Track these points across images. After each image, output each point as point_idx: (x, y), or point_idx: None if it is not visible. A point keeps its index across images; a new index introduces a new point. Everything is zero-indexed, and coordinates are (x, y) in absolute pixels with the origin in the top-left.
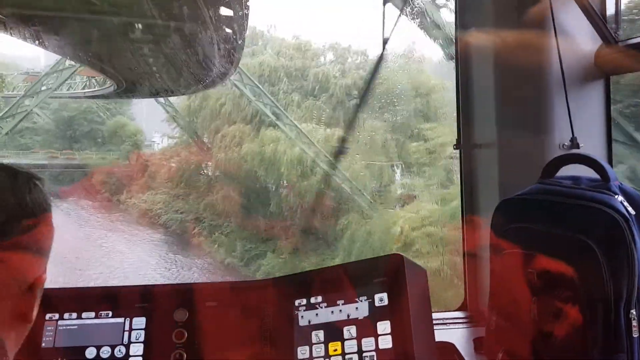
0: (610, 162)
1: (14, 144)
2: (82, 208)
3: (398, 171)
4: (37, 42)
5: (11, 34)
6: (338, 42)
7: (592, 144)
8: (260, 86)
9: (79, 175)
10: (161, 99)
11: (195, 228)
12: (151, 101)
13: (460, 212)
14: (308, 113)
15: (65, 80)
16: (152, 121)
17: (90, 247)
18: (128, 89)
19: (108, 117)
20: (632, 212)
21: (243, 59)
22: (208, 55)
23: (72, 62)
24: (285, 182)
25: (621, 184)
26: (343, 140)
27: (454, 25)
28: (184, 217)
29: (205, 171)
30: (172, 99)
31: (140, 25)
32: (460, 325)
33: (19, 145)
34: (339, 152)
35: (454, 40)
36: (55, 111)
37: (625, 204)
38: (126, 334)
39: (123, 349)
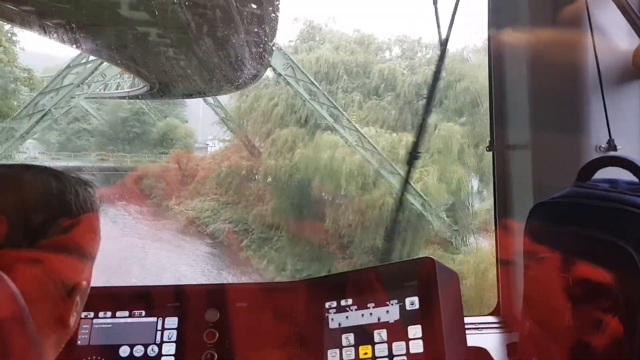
0: None
1: (72, 145)
2: (129, 214)
3: (479, 184)
4: (75, 45)
5: (51, 37)
6: (406, 35)
7: (630, 146)
8: (317, 84)
9: (129, 179)
10: (210, 100)
11: (244, 240)
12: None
13: (494, 215)
14: (371, 115)
15: (86, 77)
16: (206, 123)
17: (130, 259)
18: (161, 90)
19: (159, 119)
20: None
21: (298, 54)
22: (239, 57)
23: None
24: (343, 194)
25: None
26: (413, 147)
27: (487, 23)
28: (231, 227)
29: (255, 178)
30: (223, 99)
31: (172, 29)
32: (493, 330)
33: (76, 147)
34: (408, 161)
35: (487, 39)
36: (110, 112)
37: None
38: (159, 333)
39: (156, 348)
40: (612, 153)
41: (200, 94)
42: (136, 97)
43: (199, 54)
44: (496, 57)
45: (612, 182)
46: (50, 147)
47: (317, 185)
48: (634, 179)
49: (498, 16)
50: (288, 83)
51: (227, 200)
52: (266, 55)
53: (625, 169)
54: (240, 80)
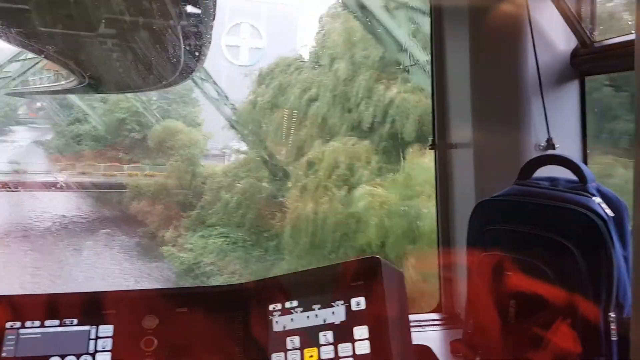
0: (585, 162)
1: (71, 151)
2: (108, 246)
3: None
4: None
5: None
6: None
7: (568, 145)
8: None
9: (123, 198)
10: (213, 94)
11: None
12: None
13: (436, 213)
14: None
15: (25, 72)
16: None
17: None
18: (91, 84)
19: (158, 121)
20: (610, 214)
21: None
22: (174, 51)
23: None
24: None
25: (599, 185)
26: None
27: (430, 23)
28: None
29: (279, 214)
30: (236, 93)
31: (104, 19)
32: (435, 328)
33: (76, 153)
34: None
35: (429, 39)
36: (106, 112)
37: (603, 205)
38: (92, 343)
39: (89, 358)
40: (551, 152)
41: (132, 88)
42: (64, 92)
43: (129, 46)
44: (438, 56)
45: (552, 180)
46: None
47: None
48: (573, 177)
49: (440, 15)
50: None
51: (237, 239)
52: (203, 49)
53: (565, 168)
54: (174, 76)
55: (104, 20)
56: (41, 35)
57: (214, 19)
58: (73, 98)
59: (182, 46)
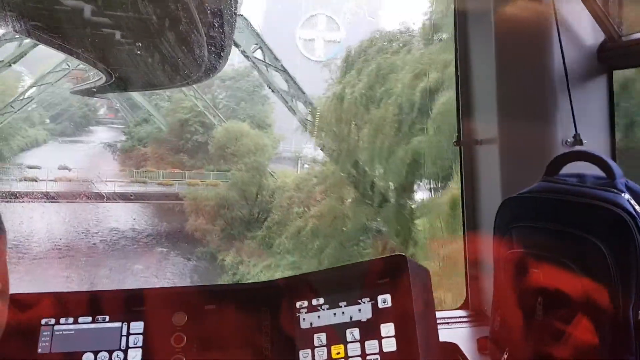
0: (613, 158)
1: (137, 154)
2: (166, 269)
3: None
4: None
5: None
6: None
7: (595, 140)
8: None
9: (182, 209)
10: (284, 88)
11: None
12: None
13: (461, 210)
14: None
15: (61, 78)
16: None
17: None
18: (118, 82)
19: (220, 122)
20: None
21: None
22: (198, 50)
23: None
24: None
25: (627, 181)
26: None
27: (454, 19)
28: None
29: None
30: (311, 87)
31: (129, 19)
32: (463, 325)
33: (140, 157)
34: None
35: (454, 35)
36: (169, 112)
37: (632, 202)
38: (124, 339)
39: (121, 354)
40: (579, 148)
41: (158, 86)
42: (94, 90)
43: (154, 44)
44: (463, 52)
45: (580, 177)
46: (114, 154)
47: None
48: (601, 173)
49: (465, 10)
50: (257, 68)
51: (298, 264)
52: (225, 49)
53: (593, 164)
54: (198, 75)
55: (128, 20)
56: (70, 35)
57: (236, 16)
58: (140, 98)
59: (205, 44)
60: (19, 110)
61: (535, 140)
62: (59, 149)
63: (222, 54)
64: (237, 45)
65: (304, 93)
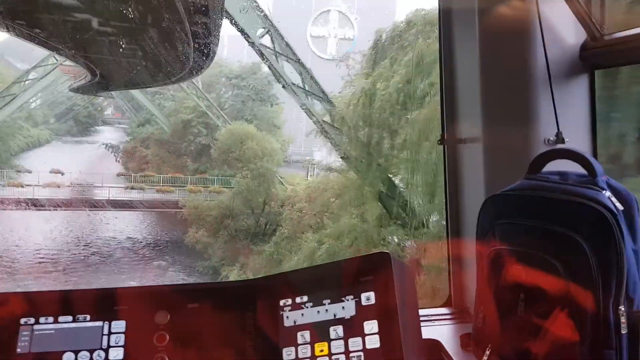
0: (595, 156)
1: (139, 155)
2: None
3: None
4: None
5: None
6: None
7: (577, 139)
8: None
9: (183, 219)
10: (295, 83)
11: None
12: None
13: (445, 208)
14: None
15: (50, 72)
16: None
17: None
18: (101, 81)
19: (225, 123)
20: (620, 207)
21: None
22: (183, 48)
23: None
24: None
25: (608, 179)
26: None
27: (438, 18)
28: None
29: None
30: (329, 87)
31: (113, 15)
32: (445, 322)
33: (141, 160)
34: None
35: (437, 33)
36: (172, 112)
37: (613, 199)
38: (105, 338)
39: (102, 354)
40: (561, 146)
41: (141, 85)
42: (76, 90)
43: (139, 42)
44: (447, 51)
45: (562, 175)
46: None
47: None
48: (583, 171)
49: (448, 9)
50: (263, 57)
51: None
52: (212, 47)
53: (575, 162)
54: (184, 73)
55: (113, 16)
56: (54, 32)
57: (222, 15)
58: (142, 97)
59: (191, 43)
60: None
61: (518, 139)
62: (60, 150)
63: (207, 52)
64: (240, 30)
65: (321, 88)
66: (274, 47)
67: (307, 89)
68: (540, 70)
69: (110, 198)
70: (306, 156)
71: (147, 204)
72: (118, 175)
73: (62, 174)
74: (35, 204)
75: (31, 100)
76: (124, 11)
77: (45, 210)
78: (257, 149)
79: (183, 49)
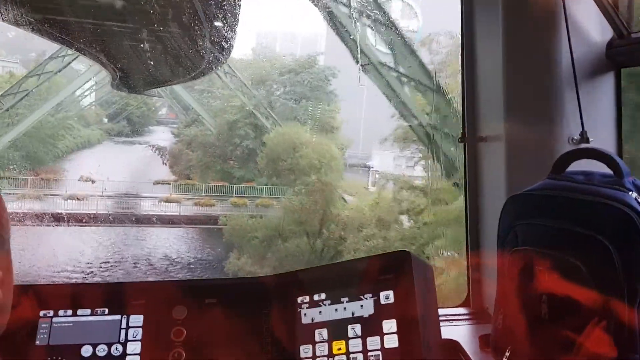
0: (620, 156)
1: (185, 159)
2: None
3: None
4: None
5: (3, 20)
6: None
7: (602, 138)
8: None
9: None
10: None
11: None
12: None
13: (465, 208)
14: None
15: (67, 65)
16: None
17: None
18: (123, 79)
19: (273, 124)
20: None
21: None
22: (200, 44)
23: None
24: None
25: (635, 179)
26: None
27: (460, 14)
28: None
29: None
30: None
31: (131, 12)
32: (464, 322)
33: (187, 162)
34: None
35: (460, 30)
36: (218, 112)
37: None
38: (123, 332)
39: (120, 347)
40: (586, 145)
41: (161, 83)
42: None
43: (156, 39)
44: (469, 48)
45: (587, 174)
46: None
47: None
48: (608, 170)
49: (472, 6)
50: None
51: None
52: (227, 42)
53: (600, 161)
54: (200, 69)
55: (131, 13)
56: (73, 29)
57: (239, 8)
58: (187, 94)
59: (208, 37)
60: (11, 106)
61: (542, 138)
62: (108, 151)
63: (226, 46)
64: None
65: (425, 70)
66: (350, 4)
67: (401, 71)
68: (565, 68)
69: (141, 213)
70: (365, 160)
71: (183, 219)
72: (156, 183)
73: (93, 181)
74: (56, 218)
75: (80, 99)
76: (141, 5)
77: (66, 225)
78: (313, 157)
79: (201, 43)
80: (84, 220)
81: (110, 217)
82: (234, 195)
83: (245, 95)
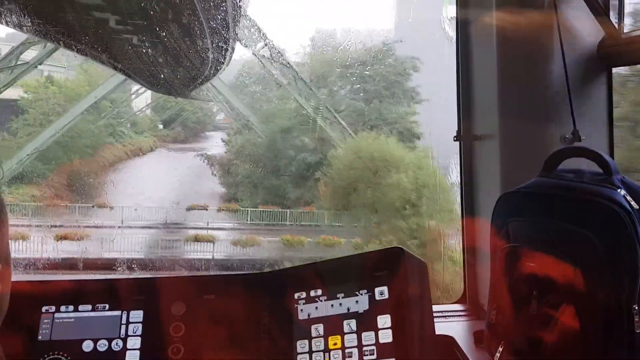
0: (611, 155)
1: (233, 172)
2: None
3: None
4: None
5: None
6: None
7: (594, 137)
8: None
9: None
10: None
11: None
12: None
13: (460, 205)
14: None
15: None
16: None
17: None
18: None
19: (342, 133)
20: (635, 206)
21: None
22: (202, 44)
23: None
24: None
25: (624, 177)
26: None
27: (455, 12)
28: None
29: None
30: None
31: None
32: (459, 318)
33: (233, 175)
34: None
35: (455, 31)
36: (268, 117)
37: (628, 198)
38: (123, 327)
39: (120, 343)
40: (577, 144)
41: (163, 85)
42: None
43: (163, 42)
44: (464, 47)
45: (577, 173)
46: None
47: None
48: (599, 169)
49: (466, 7)
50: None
51: None
52: (228, 49)
53: (590, 160)
54: (201, 79)
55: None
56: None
57: (241, 11)
58: (233, 95)
59: (209, 40)
60: None
61: (535, 136)
62: (157, 160)
63: (226, 48)
64: None
65: None
66: None
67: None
68: (557, 68)
69: (160, 255)
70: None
71: (216, 264)
72: (190, 209)
73: (111, 208)
74: (45, 266)
75: (133, 104)
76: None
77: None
78: (408, 188)
79: (202, 45)
80: (78, 268)
81: (116, 264)
82: (287, 222)
83: (302, 95)
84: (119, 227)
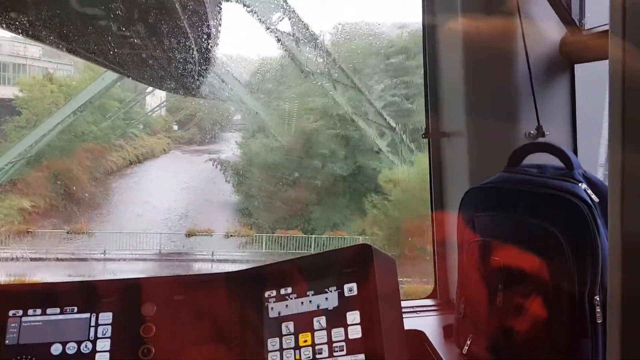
0: (575, 150)
1: (246, 183)
2: None
3: None
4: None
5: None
6: None
7: (558, 133)
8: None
9: None
10: None
11: None
12: None
13: (430, 202)
14: None
15: None
16: None
17: None
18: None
19: (386, 157)
20: (596, 199)
21: None
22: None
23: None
24: None
25: (585, 172)
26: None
27: (421, 13)
28: None
29: None
30: None
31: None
32: (430, 313)
33: (248, 187)
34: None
35: (421, 29)
36: (288, 117)
37: (589, 191)
38: (92, 330)
39: (90, 345)
40: (540, 139)
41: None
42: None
43: (143, 42)
44: (431, 45)
45: (540, 168)
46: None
47: None
48: (561, 164)
49: (432, 4)
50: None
51: None
52: (211, 52)
53: (552, 155)
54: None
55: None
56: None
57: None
58: (245, 93)
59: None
60: None
61: (501, 133)
62: (168, 166)
63: (208, 55)
64: None
65: None
66: None
67: None
68: (521, 65)
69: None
70: None
71: None
72: (190, 235)
73: (90, 234)
74: None
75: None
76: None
77: None
78: None
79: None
80: None
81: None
82: (311, 249)
83: (330, 84)
84: (102, 257)
